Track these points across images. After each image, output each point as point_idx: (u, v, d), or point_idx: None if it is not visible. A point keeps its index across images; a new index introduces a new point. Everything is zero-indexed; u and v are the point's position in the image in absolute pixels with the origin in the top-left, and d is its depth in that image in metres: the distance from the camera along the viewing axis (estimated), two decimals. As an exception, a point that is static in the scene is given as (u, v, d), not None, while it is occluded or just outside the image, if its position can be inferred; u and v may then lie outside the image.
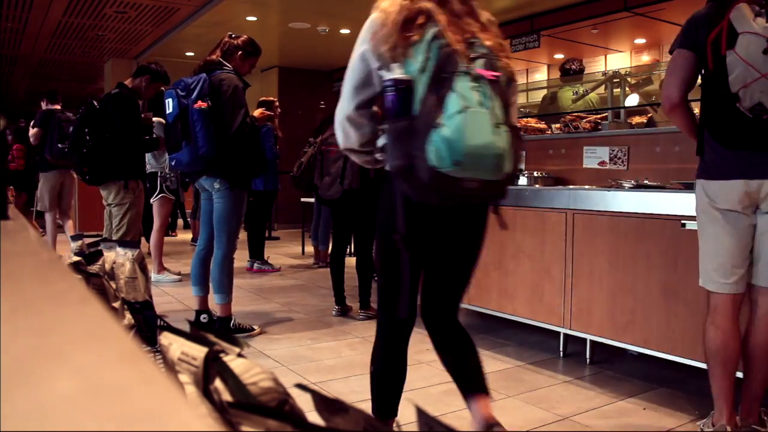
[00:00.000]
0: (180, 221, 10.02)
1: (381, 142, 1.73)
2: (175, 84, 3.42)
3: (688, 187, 2.76)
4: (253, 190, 5.23)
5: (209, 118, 3.31)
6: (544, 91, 8.45)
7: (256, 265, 6.06)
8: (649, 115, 4.46)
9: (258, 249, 6.11)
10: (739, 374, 2.22)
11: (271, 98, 6.30)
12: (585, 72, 8.55)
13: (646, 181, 3.25)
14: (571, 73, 5.17)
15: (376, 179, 4.02)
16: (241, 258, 5.85)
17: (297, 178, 4.17)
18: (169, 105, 3.39)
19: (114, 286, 1.27)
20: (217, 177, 3.46)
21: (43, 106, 6.29)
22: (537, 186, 3.71)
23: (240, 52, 3.55)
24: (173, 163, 3.48)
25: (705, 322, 2.21)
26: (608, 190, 2.99)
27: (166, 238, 5.92)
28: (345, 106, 1.74)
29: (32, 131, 6.15)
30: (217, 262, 3.56)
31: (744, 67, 1.99)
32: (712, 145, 2.14)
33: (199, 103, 3.29)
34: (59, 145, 5.71)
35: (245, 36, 3.63)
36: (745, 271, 2.15)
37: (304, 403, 0.50)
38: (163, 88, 4.04)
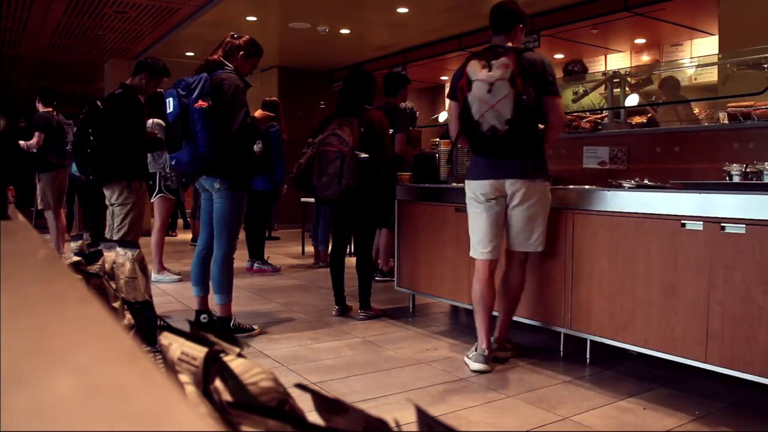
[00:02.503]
0: (180, 221, 10.02)
1: None
2: (176, 83, 3.41)
3: (689, 187, 2.76)
4: (253, 190, 5.22)
5: (210, 117, 3.31)
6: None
7: (256, 265, 6.06)
8: (649, 115, 4.46)
9: (258, 249, 6.11)
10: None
11: (275, 98, 6.30)
12: (587, 72, 8.53)
13: (646, 181, 3.25)
14: (573, 74, 5.16)
15: (374, 180, 4.02)
16: (241, 258, 5.85)
17: (296, 179, 4.17)
18: (170, 104, 3.39)
19: (114, 286, 1.27)
20: (217, 177, 3.46)
21: (38, 105, 6.29)
22: (537, 186, 3.70)
23: (242, 53, 3.55)
24: (173, 163, 3.48)
25: (471, 279, 3.16)
26: (608, 190, 2.99)
27: (166, 238, 5.91)
28: None
29: (35, 137, 6.15)
30: (217, 262, 3.56)
31: (479, 103, 2.85)
32: (472, 156, 3.07)
33: (200, 102, 3.29)
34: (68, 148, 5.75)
35: (247, 36, 3.63)
36: (498, 243, 3.04)
37: (304, 403, 0.50)
38: (161, 89, 4.03)
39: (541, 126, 3.01)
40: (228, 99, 3.36)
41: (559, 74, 5.47)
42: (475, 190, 3.02)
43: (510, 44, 2.97)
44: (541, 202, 3.01)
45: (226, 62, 3.49)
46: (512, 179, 2.94)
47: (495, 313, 3.14)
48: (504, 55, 2.84)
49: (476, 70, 2.87)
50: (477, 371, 2.95)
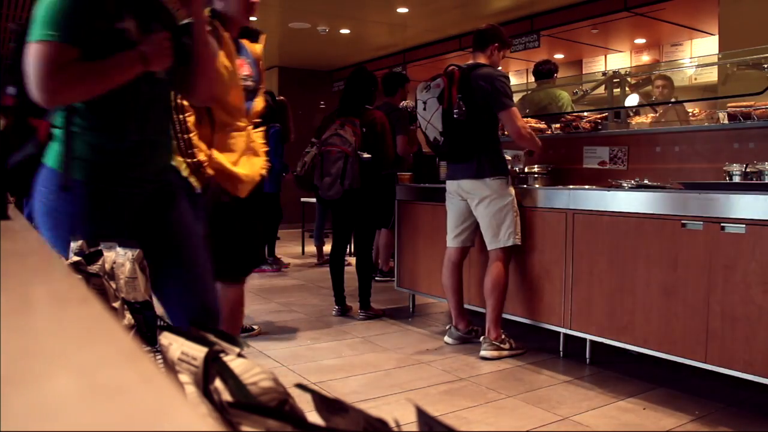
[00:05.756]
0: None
1: None
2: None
3: (689, 187, 2.76)
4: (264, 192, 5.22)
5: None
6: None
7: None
8: (650, 115, 4.46)
9: (269, 249, 6.16)
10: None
11: (282, 98, 6.27)
12: (583, 72, 8.53)
13: (646, 181, 3.25)
14: (545, 73, 5.03)
15: (376, 180, 4.02)
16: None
17: (301, 177, 4.15)
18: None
19: (114, 286, 1.26)
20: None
21: None
22: (537, 186, 3.70)
23: (240, 52, 3.54)
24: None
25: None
26: (608, 190, 2.99)
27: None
28: None
29: None
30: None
31: (421, 119, 3.35)
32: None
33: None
34: None
35: None
36: (459, 235, 3.41)
37: (304, 403, 0.50)
38: None
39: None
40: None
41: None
42: (447, 187, 3.46)
43: (483, 61, 3.30)
44: (499, 199, 3.21)
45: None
46: (462, 180, 3.30)
47: (483, 310, 3.44)
48: (441, 77, 3.25)
49: (420, 91, 3.34)
50: (446, 343, 3.49)
